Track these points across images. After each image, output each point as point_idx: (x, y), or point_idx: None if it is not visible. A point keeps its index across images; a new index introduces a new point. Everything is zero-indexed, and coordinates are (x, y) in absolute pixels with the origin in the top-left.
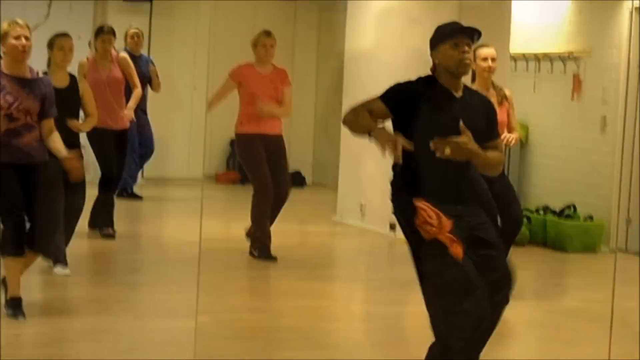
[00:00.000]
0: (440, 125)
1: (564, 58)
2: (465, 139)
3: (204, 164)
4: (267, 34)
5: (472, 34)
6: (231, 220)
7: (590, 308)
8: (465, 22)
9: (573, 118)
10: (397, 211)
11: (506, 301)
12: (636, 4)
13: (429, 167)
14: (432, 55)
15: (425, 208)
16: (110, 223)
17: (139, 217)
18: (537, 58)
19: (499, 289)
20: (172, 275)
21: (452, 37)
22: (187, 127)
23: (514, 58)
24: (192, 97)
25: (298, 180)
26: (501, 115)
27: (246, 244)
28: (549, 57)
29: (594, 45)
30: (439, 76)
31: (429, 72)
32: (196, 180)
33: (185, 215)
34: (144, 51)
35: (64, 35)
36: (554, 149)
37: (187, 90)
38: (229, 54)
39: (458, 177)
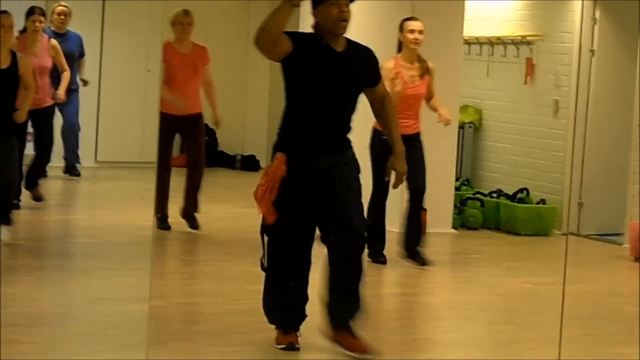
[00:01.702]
0: (321, 79)
1: (517, 42)
2: (401, 171)
3: (157, 147)
4: (186, 12)
5: None
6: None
7: (543, 290)
8: (419, 7)
9: (526, 102)
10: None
11: (353, 256)
12: None
13: (305, 119)
14: (313, 13)
15: (268, 169)
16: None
17: (92, 201)
18: (491, 42)
19: (345, 240)
20: (125, 259)
21: None
22: (141, 110)
23: (468, 42)
24: (146, 79)
25: (252, 164)
26: (421, 88)
27: (202, 227)
28: (502, 42)
29: (547, 30)
30: (321, 34)
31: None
32: (151, 163)
33: (138, 199)
34: (96, 31)
35: (3, 12)
36: (507, 133)
37: (141, 73)
38: None
39: (340, 127)
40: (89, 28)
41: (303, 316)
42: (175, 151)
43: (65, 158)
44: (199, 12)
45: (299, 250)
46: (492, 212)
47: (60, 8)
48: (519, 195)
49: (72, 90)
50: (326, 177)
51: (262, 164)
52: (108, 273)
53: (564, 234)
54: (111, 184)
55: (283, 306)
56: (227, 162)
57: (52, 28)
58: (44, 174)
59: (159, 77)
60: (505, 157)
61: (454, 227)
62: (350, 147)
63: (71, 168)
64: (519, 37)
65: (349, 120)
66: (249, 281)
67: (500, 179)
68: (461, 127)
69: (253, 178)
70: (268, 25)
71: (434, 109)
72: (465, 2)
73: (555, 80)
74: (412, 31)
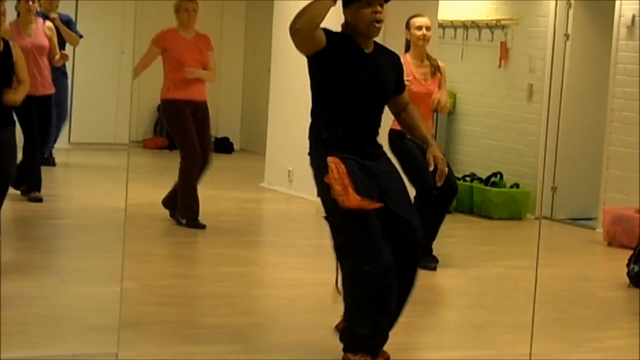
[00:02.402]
0: (353, 79)
1: (491, 26)
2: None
3: (129, 129)
4: None
5: None
6: (157, 186)
7: (516, 275)
8: None
9: (500, 86)
10: (313, 167)
11: (413, 273)
12: None
13: (342, 119)
14: (344, 12)
15: (334, 172)
16: (36, 187)
17: (65, 183)
18: (465, 26)
19: (406, 258)
20: (98, 241)
21: None
22: (115, 92)
23: (442, 26)
24: (120, 61)
25: (226, 146)
26: (433, 86)
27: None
28: (476, 25)
29: (521, 14)
30: (351, 33)
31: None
32: (124, 145)
33: (111, 181)
34: (70, 11)
35: None
36: (481, 117)
37: (115, 54)
38: (157, 19)
39: (372, 130)
40: (62, 9)
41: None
42: (148, 132)
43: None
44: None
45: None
46: (465, 196)
47: None
48: (493, 179)
49: (63, 75)
50: (377, 182)
51: (236, 146)
52: (81, 255)
53: (537, 218)
54: (84, 165)
55: (379, 325)
56: None
57: (42, 10)
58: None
59: (132, 60)
60: (479, 141)
61: None
62: (385, 153)
63: (49, 157)
64: (494, 21)
65: (379, 125)
66: (222, 263)
67: (473, 163)
68: (435, 111)
69: (227, 160)
70: (307, 16)
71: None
72: None
73: (530, 65)
74: (419, 28)
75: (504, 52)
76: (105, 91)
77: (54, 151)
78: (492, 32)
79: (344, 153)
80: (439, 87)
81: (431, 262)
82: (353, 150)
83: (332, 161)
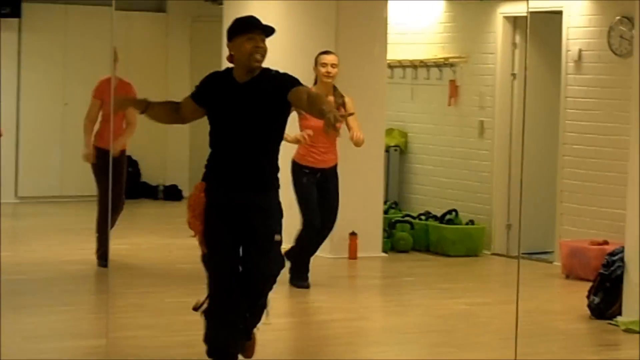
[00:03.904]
0: (222, 113)
1: (440, 65)
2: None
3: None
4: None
5: (267, 30)
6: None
7: (479, 311)
8: (342, 33)
9: (451, 124)
10: None
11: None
12: (505, 11)
13: (219, 154)
14: (228, 46)
15: (193, 194)
16: None
17: (14, 237)
18: (414, 65)
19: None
20: (55, 295)
21: (247, 31)
22: (60, 143)
23: (391, 66)
24: (64, 112)
25: (174, 193)
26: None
27: (131, 259)
28: (425, 64)
29: (469, 52)
30: (235, 65)
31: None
32: (71, 197)
33: (64, 234)
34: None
35: None
36: (433, 155)
37: (59, 105)
38: (102, 69)
39: (249, 161)
40: (5, 61)
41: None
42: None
43: None
44: (120, 38)
45: (231, 279)
46: (421, 235)
47: None
48: (448, 216)
49: None
50: (242, 216)
51: (185, 194)
52: (40, 310)
53: (493, 254)
54: (33, 219)
55: (221, 337)
56: (150, 192)
57: None
58: None
59: (76, 111)
60: (432, 179)
61: (384, 251)
62: (271, 188)
63: None
64: (442, 60)
65: (263, 157)
66: (185, 312)
67: (428, 201)
68: (387, 150)
69: (176, 208)
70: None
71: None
72: (387, 25)
73: (480, 102)
74: (324, 65)
75: (454, 90)
76: (51, 143)
77: None
78: (441, 71)
79: (216, 183)
80: (346, 122)
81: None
82: (225, 181)
83: (198, 187)
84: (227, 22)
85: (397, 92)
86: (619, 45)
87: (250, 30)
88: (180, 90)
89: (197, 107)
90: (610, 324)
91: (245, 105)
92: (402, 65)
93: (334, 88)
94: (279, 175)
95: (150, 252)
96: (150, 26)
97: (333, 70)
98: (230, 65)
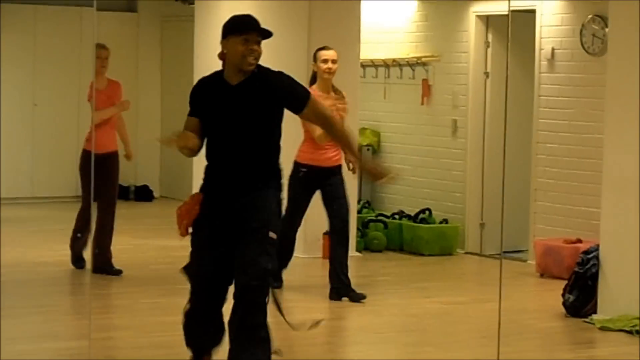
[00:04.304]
0: (215, 119)
1: (412, 64)
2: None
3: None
4: (102, 46)
5: (264, 33)
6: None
7: (454, 310)
8: (315, 32)
9: (424, 123)
10: None
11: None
12: (478, 10)
13: (215, 160)
14: (221, 43)
15: (187, 203)
16: None
17: None
18: (386, 64)
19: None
20: (29, 297)
21: (243, 32)
22: (30, 144)
23: (363, 65)
24: (33, 113)
25: (145, 194)
26: (340, 117)
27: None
28: (397, 63)
29: (442, 51)
30: (225, 64)
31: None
32: (42, 198)
33: (35, 235)
34: None
35: None
36: (406, 154)
37: (28, 106)
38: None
39: (243, 163)
40: None
41: (218, 342)
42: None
43: None
44: (89, 38)
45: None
46: (395, 234)
47: None
48: (421, 215)
49: None
50: (238, 219)
51: (156, 194)
52: (16, 312)
53: (467, 253)
54: (3, 221)
55: (200, 330)
56: (121, 193)
57: None
58: None
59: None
60: (405, 178)
61: (358, 250)
62: (267, 186)
63: None
64: (415, 59)
65: (260, 158)
66: (160, 313)
67: (401, 200)
68: (359, 149)
69: (147, 208)
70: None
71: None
72: (360, 24)
73: (453, 100)
74: (325, 61)
75: (426, 89)
76: (20, 144)
77: None
78: (414, 70)
79: (213, 191)
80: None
81: (355, 297)
82: (221, 186)
83: (195, 198)
84: (198, 22)
85: (369, 92)
86: (591, 43)
87: (246, 31)
88: (151, 90)
89: (197, 122)
90: (585, 322)
91: (239, 107)
92: (374, 64)
93: (332, 84)
94: (283, 174)
95: (123, 253)
96: (121, 26)
97: (334, 66)
98: (216, 70)
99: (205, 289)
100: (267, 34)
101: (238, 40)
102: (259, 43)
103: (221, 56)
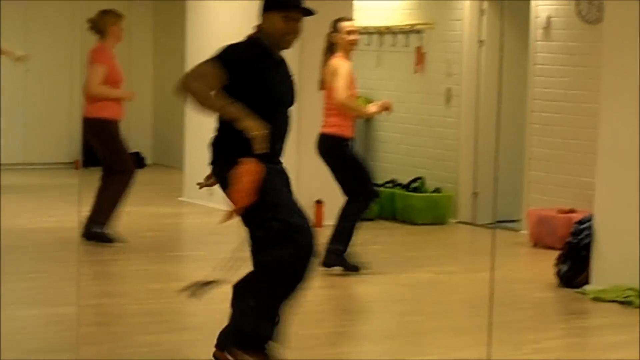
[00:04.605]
0: (270, 87)
1: (406, 31)
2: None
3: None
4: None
5: (306, 12)
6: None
7: (446, 280)
8: None
9: (417, 91)
10: (222, 172)
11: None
12: None
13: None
14: (261, 16)
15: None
16: None
17: None
18: (380, 32)
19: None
20: (20, 262)
21: (285, 8)
22: (22, 110)
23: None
24: (26, 79)
25: (137, 161)
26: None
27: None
28: (391, 31)
29: (436, 18)
30: (264, 38)
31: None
32: (33, 164)
33: (26, 201)
34: None
35: None
36: (399, 123)
37: (20, 73)
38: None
39: (283, 135)
40: None
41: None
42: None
43: None
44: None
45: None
46: (387, 203)
47: None
48: (414, 184)
49: None
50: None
51: (148, 161)
52: (4, 278)
53: (459, 222)
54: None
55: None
56: None
57: None
58: None
59: (40, 76)
60: (398, 147)
61: None
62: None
63: None
64: (408, 26)
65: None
66: (150, 280)
67: (394, 169)
68: None
69: (140, 175)
70: (197, 101)
71: None
72: None
73: (447, 69)
74: (350, 32)
75: (420, 57)
76: (12, 110)
77: None
78: (407, 37)
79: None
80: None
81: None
82: (271, 150)
83: (252, 161)
84: (190, 5)
85: (362, 60)
86: (587, 11)
87: (289, 8)
88: (144, 73)
89: (222, 81)
90: (578, 292)
91: (290, 85)
92: (368, 32)
93: None
94: None
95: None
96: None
97: (358, 38)
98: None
99: (299, 210)
100: (308, 12)
101: (279, 17)
102: (300, 22)
103: (257, 29)
